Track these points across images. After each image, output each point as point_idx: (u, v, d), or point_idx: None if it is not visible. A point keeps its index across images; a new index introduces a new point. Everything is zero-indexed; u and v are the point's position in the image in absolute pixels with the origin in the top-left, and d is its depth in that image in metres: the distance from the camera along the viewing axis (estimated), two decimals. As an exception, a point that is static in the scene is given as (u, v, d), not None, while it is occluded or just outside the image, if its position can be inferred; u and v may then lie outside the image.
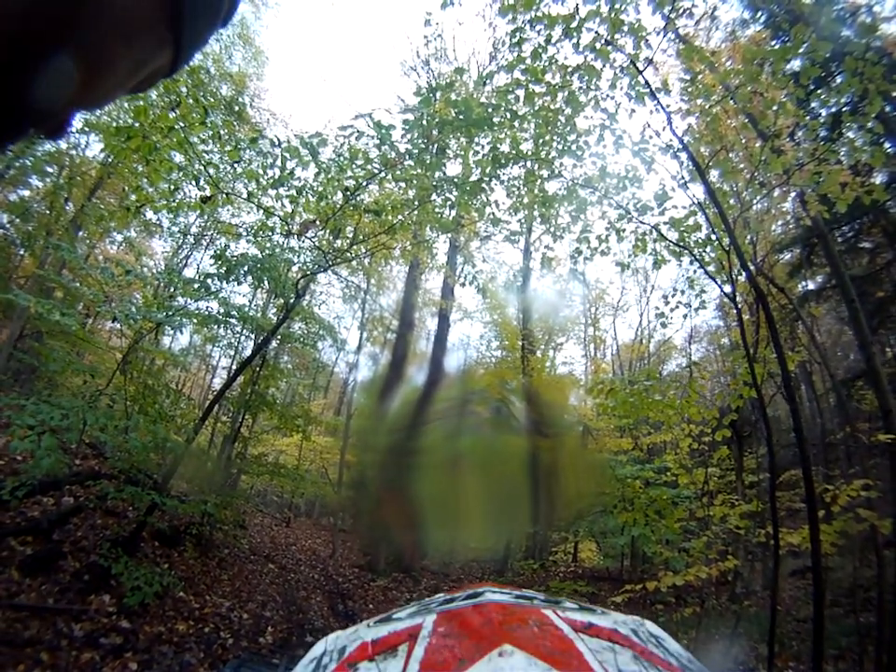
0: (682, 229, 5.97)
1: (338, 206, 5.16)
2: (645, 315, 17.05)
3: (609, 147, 5.52)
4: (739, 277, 6.70)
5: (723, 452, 8.14)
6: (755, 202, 6.38)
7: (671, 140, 5.49)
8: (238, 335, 9.31)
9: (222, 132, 5.62)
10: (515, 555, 9.28)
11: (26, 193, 13.79)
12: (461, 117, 4.87)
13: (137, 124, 5.12)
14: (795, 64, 5.34)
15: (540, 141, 5.49)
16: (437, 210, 5.57)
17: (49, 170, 12.17)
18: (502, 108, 5.08)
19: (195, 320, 5.87)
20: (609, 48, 4.87)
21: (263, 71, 15.87)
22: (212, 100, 6.33)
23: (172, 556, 6.79)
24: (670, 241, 6.10)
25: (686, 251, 6.12)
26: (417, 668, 0.66)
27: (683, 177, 5.98)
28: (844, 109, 5.88)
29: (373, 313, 14.11)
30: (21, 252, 13.84)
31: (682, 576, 5.50)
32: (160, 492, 5.88)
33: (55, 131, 0.34)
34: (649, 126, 5.49)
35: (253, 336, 8.52)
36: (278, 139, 5.22)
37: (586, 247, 5.93)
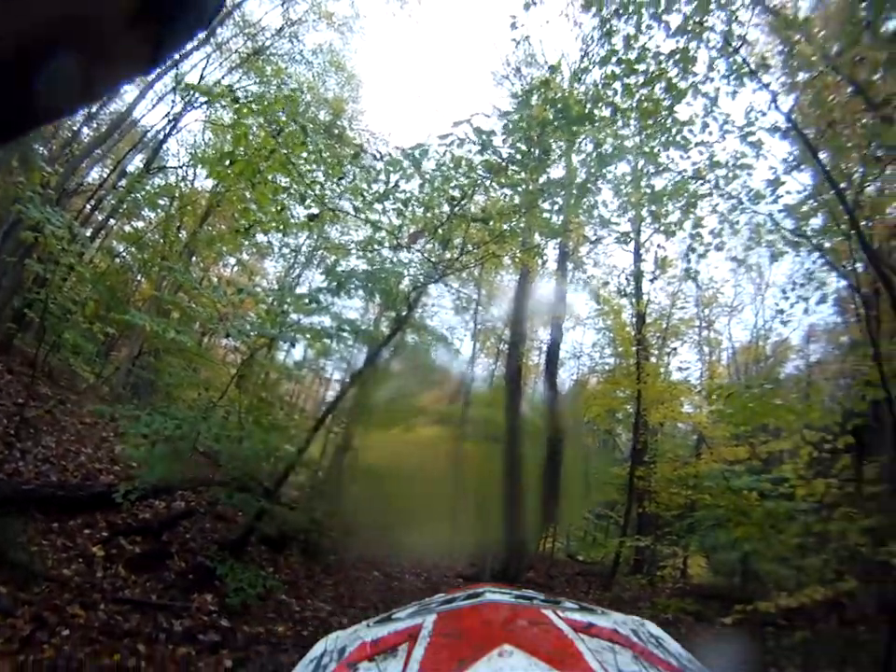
0: (798, 215, 5.73)
1: (445, 216, 5.22)
2: (760, 314, 16.13)
3: (714, 135, 5.37)
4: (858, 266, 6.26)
5: (846, 461, 7.48)
6: (868, 181, 5.96)
7: (777, 121, 5.29)
8: (351, 348, 9.59)
9: (324, 152, 5.85)
10: (623, 570, 8.94)
11: (140, 224, 15.12)
12: (561, 115, 4.80)
13: (240, 150, 5.44)
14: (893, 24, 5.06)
15: (643, 134, 5.35)
16: (544, 215, 5.52)
17: (161, 202, 13.25)
18: (601, 104, 4.98)
19: (308, 335, 6.12)
20: (700, 27, 4.74)
21: (358, 94, 16.38)
22: (311, 125, 6.62)
23: (277, 560, 6.90)
24: (786, 230, 5.81)
25: (804, 239, 5.81)
26: (417, 668, 0.66)
27: (794, 159, 5.71)
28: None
29: (485, 324, 14.15)
30: (139, 277, 15.12)
31: (797, 597, 5.12)
32: (270, 499, 6.03)
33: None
34: (752, 109, 5.31)
35: (365, 349, 8.73)
36: (380, 153, 5.35)
37: (699, 244, 5.69)
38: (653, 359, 10.50)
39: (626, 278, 8.21)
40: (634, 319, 9.91)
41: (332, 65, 14.85)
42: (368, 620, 0.96)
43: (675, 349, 11.94)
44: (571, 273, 10.18)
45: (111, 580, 4.62)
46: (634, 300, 9.29)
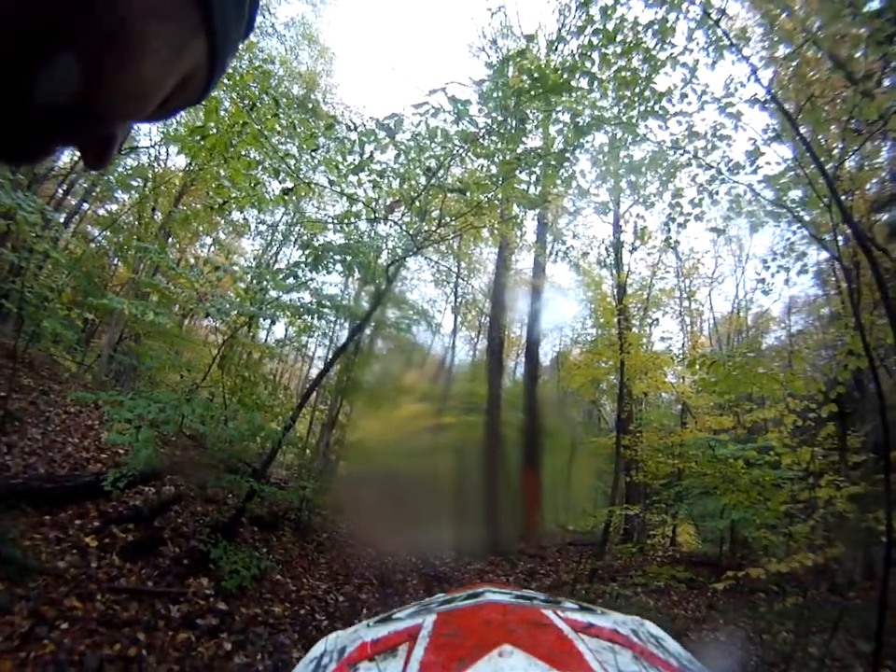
0: (778, 186, 5.68)
1: (421, 188, 5.12)
2: (741, 285, 16.50)
3: (693, 105, 5.30)
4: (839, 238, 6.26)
5: (830, 429, 7.59)
6: (849, 155, 5.95)
7: (757, 93, 5.21)
8: (332, 324, 9.51)
9: (298, 126, 5.71)
10: (613, 539, 9.09)
11: (114, 207, 14.81)
12: (537, 84, 4.70)
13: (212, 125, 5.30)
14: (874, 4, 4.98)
15: (622, 104, 5.26)
16: (522, 185, 5.43)
17: (135, 183, 12.92)
18: (577, 72, 4.88)
19: (288, 312, 6.02)
20: (680, -3, 4.63)
21: (332, 67, 16.19)
22: (284, 99, 6.46)
23: (270, 541, 6.93)
24: (766, 199, 5.78)
25: (784, 210, 5.79)
26: (417, 668, 0.66)
27: (774, 130, 5.66)
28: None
29: (466, 296, 14.14)
30: (116, 262, 14.84)
31: (787, 563, 5.19)
32: (258, 479, 6.01)
33: (98, 153, 0.31)
34: (732, 80, 5.23)
35: (347, 324, 8.66)
36: (354, 123, 5.23)
37: (679, 214, 5.65)
38: (635, 330, 10.59)
39: (606, 249, 8.19)
40: (615, 290, 9.97)
41: (305, 38, 14.58)
42: (368, 620, 0.95)
43: (656, 319, 12.12)
44: (551, 245, 10.17)
45: (106, 569, 4.59)
46: (614, 270, 9.32)
